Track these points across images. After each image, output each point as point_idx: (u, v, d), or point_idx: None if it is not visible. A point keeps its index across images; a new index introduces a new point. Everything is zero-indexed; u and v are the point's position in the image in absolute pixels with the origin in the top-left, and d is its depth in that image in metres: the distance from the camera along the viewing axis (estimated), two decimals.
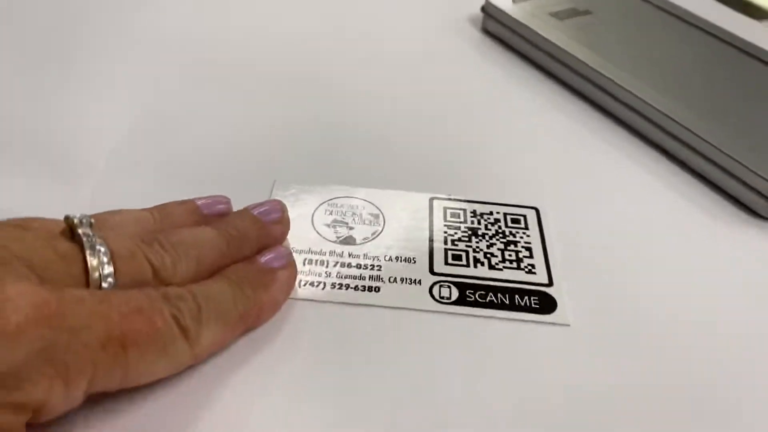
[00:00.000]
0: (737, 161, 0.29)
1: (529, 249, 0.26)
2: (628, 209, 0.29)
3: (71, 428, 0.19)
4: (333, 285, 0.23)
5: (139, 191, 0.27)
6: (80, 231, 0.20)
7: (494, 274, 0.24)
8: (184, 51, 0.37)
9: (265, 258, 0.22)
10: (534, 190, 0.29)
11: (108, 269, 0.19)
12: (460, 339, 0.22)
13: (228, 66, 0.36)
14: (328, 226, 0.26)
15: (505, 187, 0.29)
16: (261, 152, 0.30)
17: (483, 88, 0.36)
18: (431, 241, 0.26)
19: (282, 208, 0.24)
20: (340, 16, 0.41)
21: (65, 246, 0.19)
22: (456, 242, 0.26)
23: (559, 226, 0.27)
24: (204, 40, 0.38)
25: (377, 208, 0.27)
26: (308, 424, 0.20)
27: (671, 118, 0.31)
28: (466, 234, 0.26)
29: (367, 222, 0.26)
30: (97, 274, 0.19)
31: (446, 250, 0.25)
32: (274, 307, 0.22)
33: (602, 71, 0.34)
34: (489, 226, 0.26)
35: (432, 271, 0.24)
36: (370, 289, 0.23)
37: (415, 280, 0.24)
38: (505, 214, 0.27)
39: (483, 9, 0.40)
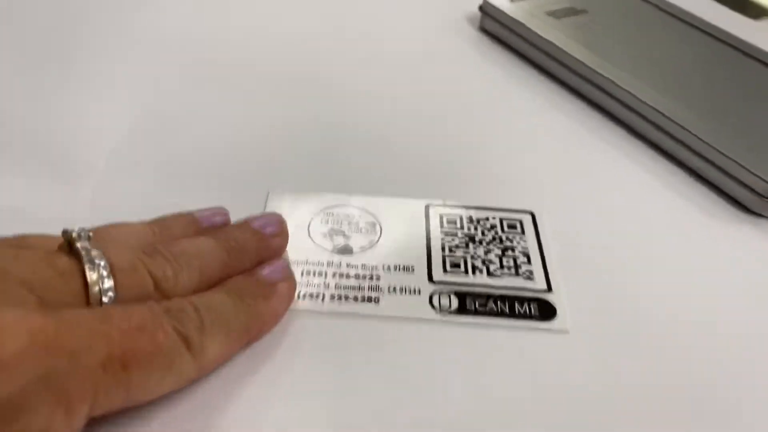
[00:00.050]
0: (733, 160, 0.29)
1: (526, 255, 0.26)
2: (625, 208, 0.29)
3: None
4: (332, 296, 0.23)
5: (139, 191, 0.27)
6: (78, 245, 0.19)
7: (493, 281, 0.24)
8: (184, 51, 0.36)
9: (264, 271, 0.22)
10: (532, 190, 0.29)
11: (108, 283, 0.19)
12: (461, 349, 0.22)
13: (228, 66, 0.36)
14: (325, 235, 0.26)
15: (502, 187, 0.29)
16: (259, 152, 0.30)
17: (481, 87, 0.36)
18: (429, 248, 0.25)
19: (281, 221, 0.24)
20: (338, 16, 0.41)
21: (64, 261, 0.19)
22: (454, 249, 0.26)
23: (557, 227, 0.27)
24: (204, 40, 0.38)
25: (373, 216, 0.27)
26: None
27: (668, 117, 0.31)
28: (463, 241, 0.26)
29: (363, 231, 0.26)
30: (97, 289, 0.19)
31: (444, 257, 0.25)
32: (275, 319, 0.22)
33: (599, 70, 0.34)
34: (486, 232, 0.26)
35: (431, 280, 0.24)
36: (369, 299, 0.23)
37: (415, 289, 0.24)
38: (501, 219, 0.27)
39: (481, 8, 0.40)
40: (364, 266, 0.24)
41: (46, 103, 0.32)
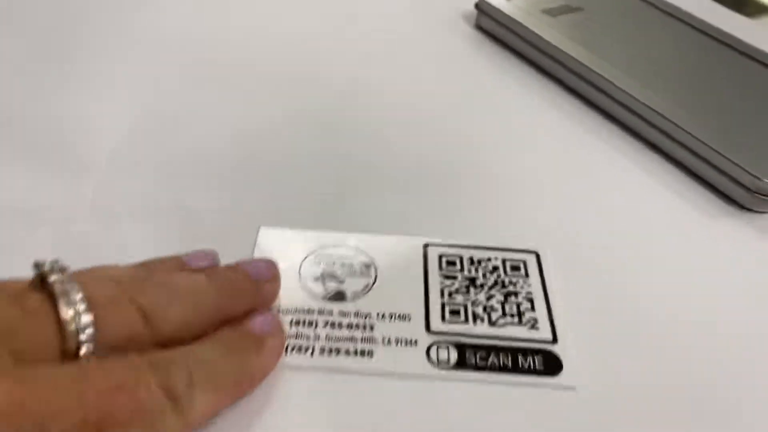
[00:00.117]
0: (726, 157, 0.29)
1: (530, 300, 0.24)
2: (623, 208, 0.29)
3: None
4: (322, 349, 0.22)
5: (139, 191, 0.27)
6: (52, 279, 0.18)
7: (495, 331, 0.23)
8: (184, 51, 0.37)
9: (254, 323, 0.21)
10: (532, 191, 0.29)
11: (86, 318, 0.17)
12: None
13: (227, 66, 0.36)
14: (317, 279, 0.24)
15: (501, 190, 0.29)
16: (257, 154, 0.30)
17: (477, 85, 0.36)
18: (427, 293, 0.24)
19: (273, 267, 0.23)
20: (334, 15, 0.41)
21: (34, 300, 0.18)
22: (453, 294, 0.24)
23: (555, 234, 0.27)
24: (204, 40, 0.38)
25: (368, 256, 0.25)
26: None
27: (662, 115, 0.31)
28: (463, 285, 0.24)
29: (358, 273, 0.24)
30: (73, 327, 0.17)
31: (443, 304, 0.24)
32: (264, 375, 0.21)
33: (594, 68, 0.34)
34: (488, 275, 0.25)
35: (428, 330, 0.23)
36: (362, 353, 0.22)
37: (411, 340, 0.22)
38: (504, 260, 0.25)
39: (477, 6, 0.40)
40: (357, 314, 0.23)
41: (47, 102, 0.32)
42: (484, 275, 0.25)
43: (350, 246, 0.26)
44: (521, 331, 0.23)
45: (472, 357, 0.22)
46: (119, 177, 0.28)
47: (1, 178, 0.27)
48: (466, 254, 0.26)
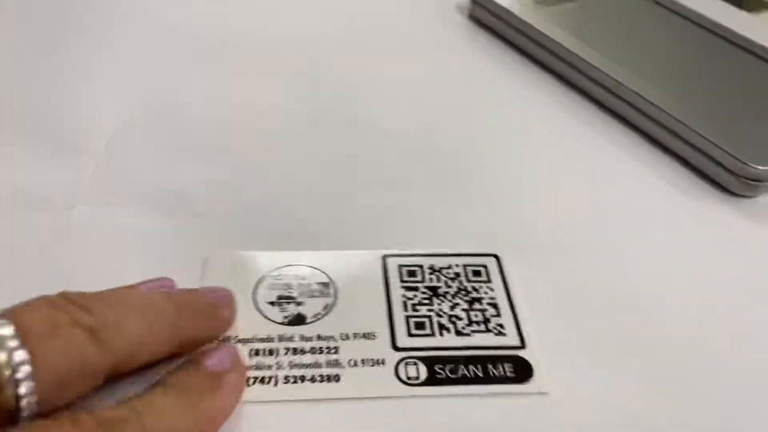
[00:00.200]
0: (712, 142, 0.29)
1: (494, 306, 0.24)
2: (608, 193, 0.29)
3: None
4: (286, 378, 0.21)
5: (137, 177, 0.28)
6: None
7: (462, 341, 0.22)
8: (183, 44, 0.36)
9: (210, 360, 0.19)
10: (522, 180, 0.29)
11: (20, 356, 0.16)
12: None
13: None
14: (273, 304, 0.23)
15: (486, 182, 0.29)
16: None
17: (469, 76, 0.36)
18: (390, 308, 0.23)
19: (229, 293, 0.22)
20: (324, 5, 0.40)
21: None
22: (417, 307, 0.23)
23: (535, 225, 0.27)
24: (205, 30, 0.37)
25: (326, 275, 0.24)
26: None
27: (651, 102, 0.32)
28: (426, 295, 0.24)
29: (316, 294, 0.23)
30: (8, 373, 0.15)
31: (407, 317, 0.23)
32: (225, 416, 0.19)
33: (587, 59, 0.34)
34: (450, 283, 0.24)
35: (395, 347, 0.22)
36: (328, 378, 0.21)
37: (378, 360, 0.21)
38: (465, 266, 0.25)
39: None
40: (320, 337, 0.22)
41: (45, 89, 0.32)
42: (446, 283, 0.24)
43: (304, 265, 0.24)
44: (488, 339, 0.22)
45: (441, 371, 0.21)
46: (118, 162, 0.28)
47: (1, 164, 0.27)
48: (426, 263, 0.25)
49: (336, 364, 0.21)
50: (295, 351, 0.21)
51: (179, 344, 0.20)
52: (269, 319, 0.22)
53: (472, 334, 0.23)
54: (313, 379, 0.21)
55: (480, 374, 0.21)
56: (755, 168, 0.28)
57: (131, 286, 0.21)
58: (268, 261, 0.24)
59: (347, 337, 0.22)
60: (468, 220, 0.27)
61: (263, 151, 0.30)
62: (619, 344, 0.23)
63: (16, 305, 0.18)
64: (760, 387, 0.22)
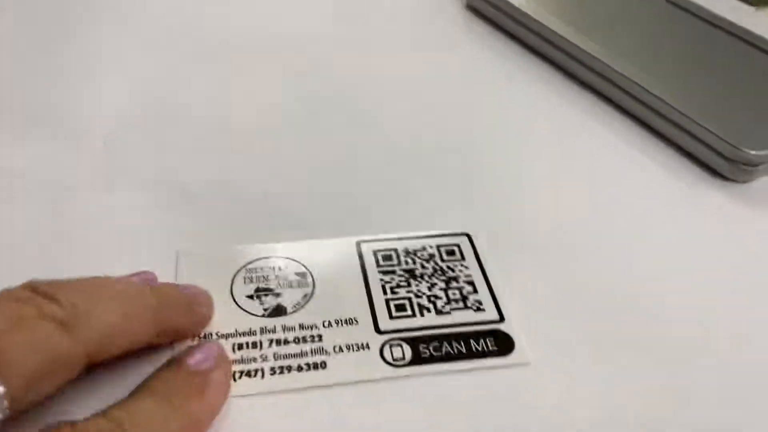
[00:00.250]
0: (704, 127, 0.30)
1: (471, 284, 0.24)
2: (599, 177, 0.29)
3: None
4: (272, 370, 0.21)
5: (138, 165, 0.28)
6: None
7: (443, 319, 0.23)
8: (183, 44, 0.36)
9: (193, 359, 0.19)
10: (512, 165, 0.30)
11: None
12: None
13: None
14: (252, 297, 0.23)
15: (478, 170, 0.29)
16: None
17: (466, 66, 0.36)
18: (369, 293, 0.23)
19: (206, 292, 0.22)
20: (322, 4, 0.40)
21: None
22: (395, 289, 0.23)
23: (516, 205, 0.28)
24: (203, 33, 0.37)
25: (302, 265, 0.24)
26: None
27: (644, 88, 0.32)
28: (403, 278, 0.24)
29: (294, 284, 0.23)
30: None
31: (387, 301, 0.23)
32: (212, 416, 0.19)
33: (584, 47, 0.34)
34: (425, 264, 0.25)
35: (378, 330, 0.22)
36: (315, 366, 0.21)
37: (363, 344, 0.22)
38: (438, 247, 0.25)
39: None
40: (302, 326, 0.22)
41: (45, 89, 0.32)
42: (422, 265, 0.24)
43: (280, 256, 0.24)
44: (468, 315, 0.23)
45: (426, 350, 0.22)
46: (117, 162, 0.28)
47: (3, 152, 0.28)
48: (400, 246, 0.25)
49: (321, 351, 0.21)
50: (278, 342, 0.21)
51: (158, 333, 0.20)
52: (249, 313, 0.22)
53: (452, 312, 0.23)
54: (299, 368, 0.21)
55: (463, 350, 0.22)
56: (748, 153, 0.28)
57: (108, 277, 0.20)
58: (241, 255, 0.24)
59: (330, 324, 0.22)
60: (466, 217, 0.27)
61: (262, 150, 0.29)
62: (619, 341, 0.23)
63: None
64: (760, 387, 0.22)
